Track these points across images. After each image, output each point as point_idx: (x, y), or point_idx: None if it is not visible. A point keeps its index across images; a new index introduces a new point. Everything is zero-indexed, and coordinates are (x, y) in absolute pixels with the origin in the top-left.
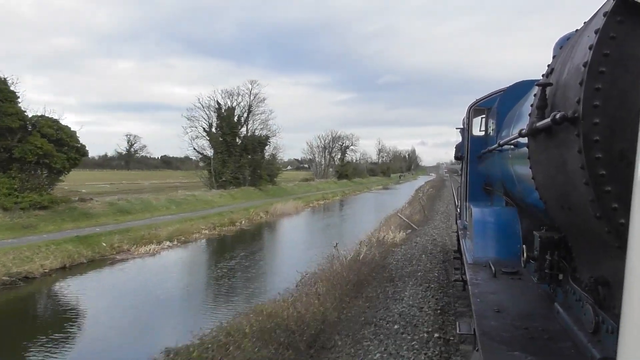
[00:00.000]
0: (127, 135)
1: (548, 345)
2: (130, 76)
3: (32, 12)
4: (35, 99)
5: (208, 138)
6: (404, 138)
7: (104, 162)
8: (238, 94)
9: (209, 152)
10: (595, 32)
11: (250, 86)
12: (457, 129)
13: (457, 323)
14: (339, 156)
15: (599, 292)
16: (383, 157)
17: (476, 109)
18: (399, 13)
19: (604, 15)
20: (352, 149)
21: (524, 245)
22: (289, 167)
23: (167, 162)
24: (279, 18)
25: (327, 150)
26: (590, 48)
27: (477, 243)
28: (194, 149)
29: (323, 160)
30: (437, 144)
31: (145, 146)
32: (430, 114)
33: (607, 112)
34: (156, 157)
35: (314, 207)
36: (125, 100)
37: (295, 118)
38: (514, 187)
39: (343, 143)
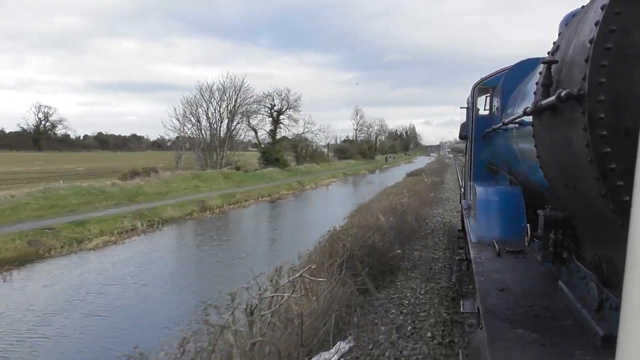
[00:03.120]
0: (36, 105)
1: (551, 323)
2: (134, 56)
3: None
4: (40, 79)
5: None
6: (409, 118)
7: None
8: None
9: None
10: (602, 8)
11: None
12: (461, 108)
13: (461, 302)
14: (270, 128)
15: (603, 269)
16: (363, 134)
17: (481, 87)
18: None
19: None
20: (291, 116)
21: (528, 224)
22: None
23: (102, 142)
24: None
25: (225, 116)
26: (596, 24)
27: (481, 222)
28: None
29: (214, 134)
30: (441, 124)
31: (62, 120)
32: (435, 93)
33: (612, 90)
34: (87, 135)
35: None
36: (129, 80)
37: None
38: (518, 166)
39: (273, 105)
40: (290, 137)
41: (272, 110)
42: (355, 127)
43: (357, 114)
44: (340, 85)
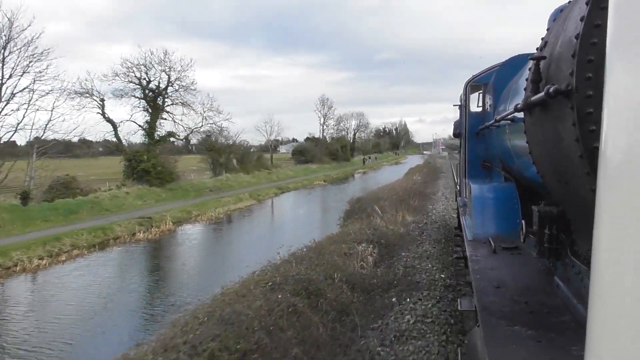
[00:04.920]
0: None
1: (548, 319)
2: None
3: None
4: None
5: None
6: (403, 116)
7: None
8: None
9: None
10: (587, 4)
11: None
12: (454, 105)
13: (459, 300)
14: (145, 119)
15: None
16: (333, 130)
17: (473, 85)
18: None
19: None
20: (182, 100)
21: (523, 220)
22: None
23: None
24: None
25: None
26: (581, 19)
27: (476, 219)
28: None
29: None
30: (435, 121)
31: None
32: (429, 91)
33: (600, 84)
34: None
35: None
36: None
37: (292, 99)
38: (512, 162)
39: (147, 81)
40: (179, 134)
41: (146, 90)
42: (321, 121)
43: (323, 106)
44: (332, 85)
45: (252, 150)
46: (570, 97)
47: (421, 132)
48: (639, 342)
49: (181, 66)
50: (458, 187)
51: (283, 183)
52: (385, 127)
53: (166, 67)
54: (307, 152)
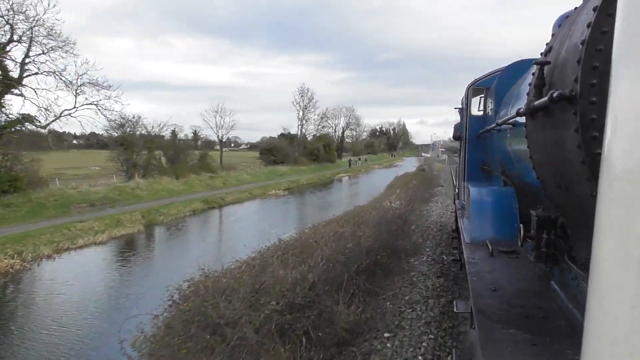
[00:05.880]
0: None
1: (544, 323)
2: (128, 54)
3: None
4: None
5: None
6: (404, 117)
7: None
8: None
9: None
10: (594, 10)
11: None
12: (455, 109)
13: (455, 302)
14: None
15: None
16: (315, 126)
17: (475, 88)
18: None
19: None
20: (48, 63)
21: (521, 225)
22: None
23: None
24: None
25: None
26: (588, 26)
27: (474, 222)
28: None
29: None
30: (436, 123)
31: None
32: (431, 93)
33: (604, 91)
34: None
35: None
36: (124, 79)
37: (293, 98)
38: (511, 167)
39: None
40: (40, 120)
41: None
42: (299, 115)
43: (301, 96)
44: (335, 85)
45: (206, 147)
46: (573, 102)
47: (422, 134)
48: (637, 348)
49: (26, 7)
50: (457, 190)
51: (226, 192)
52: (382, 127)
53: (5, 11)
54: (278, 151)
